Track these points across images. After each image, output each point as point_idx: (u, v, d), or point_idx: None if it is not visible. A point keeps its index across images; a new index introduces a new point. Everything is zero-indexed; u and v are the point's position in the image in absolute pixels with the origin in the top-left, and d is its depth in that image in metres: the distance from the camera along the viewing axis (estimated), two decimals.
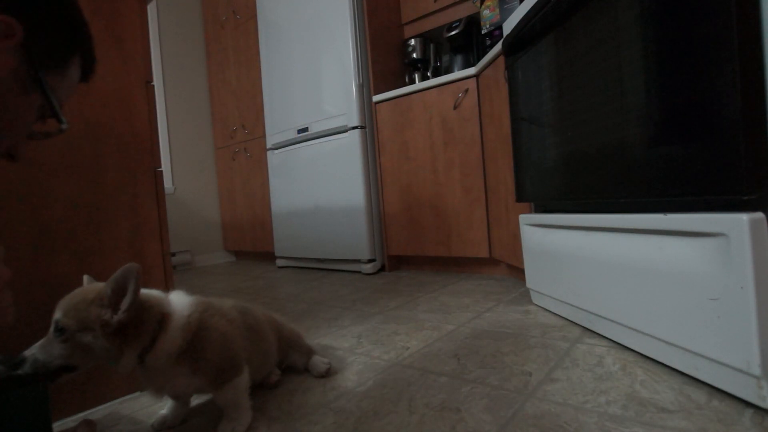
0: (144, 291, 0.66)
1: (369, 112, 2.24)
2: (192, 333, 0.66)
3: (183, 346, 0.65)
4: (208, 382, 0.68)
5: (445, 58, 2.49)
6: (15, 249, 0.74)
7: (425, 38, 2.39)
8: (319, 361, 0.92)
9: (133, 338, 0.62)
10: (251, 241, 3.01)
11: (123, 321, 0.61)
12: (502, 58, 1.50)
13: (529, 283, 1.33)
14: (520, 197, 1.36)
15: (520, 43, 1.26)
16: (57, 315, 0.60)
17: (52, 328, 0.60)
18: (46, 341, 0.60)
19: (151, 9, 3.02)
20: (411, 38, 2.38)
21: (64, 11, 0.48)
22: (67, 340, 0.59)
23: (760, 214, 0.60)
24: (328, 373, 0.91)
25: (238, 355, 0.72)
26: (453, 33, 2.17)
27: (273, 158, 2.65)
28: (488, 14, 1.98)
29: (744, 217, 0.60)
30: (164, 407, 0.77)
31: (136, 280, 0.61)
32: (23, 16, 0.41)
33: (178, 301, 0.70)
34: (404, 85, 2.44)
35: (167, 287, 0.96)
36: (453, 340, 1.07)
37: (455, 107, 1.92)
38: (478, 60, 2.08)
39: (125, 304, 0.61)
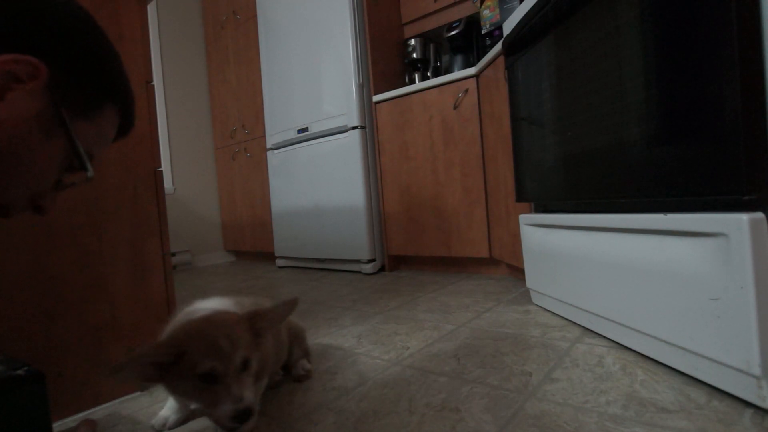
0: (208, 303, 0.67)
1: (369, 112, 2.24)
2: None
3: None
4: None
5: (445, 58, 2.49)
6: (15, 249, 0.74)
7: (425, 38, 2.39)
8: (300, 366, 0.91)
9: None
10: (251, 241, 3.01)
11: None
12: (502, 58, 1.50)
13: (529, 283, 1.33)
14: (520, 197, 1.36)
15: (520, 43, 1.26)
16: (242, 352, 0.56)
17: (239, 367, 0.55)
18: (242, 383, 0.55)
19: (151, 9, 3.02)
20: (411, 38, 2.38)
21: (95, 55, 0.45)
22: (251, 373, 0.58)
23: (760, 214, 0.60)
24: (302, 380, 0.89)
25: (270, 358, 0.72)
26: (453, 33, 2.17)
27: (273, 158, 2.65)
28: (488, 14, 1.98)
29: (744, 217, 0.60)
30: (164, 407, 0.77)
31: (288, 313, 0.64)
32: (49, 57, 0.39)
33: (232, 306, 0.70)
34: (404, 85, 2.44)
35: (167, 287, 0.96)
36: (453, 340, 1.07)
37: (455, 107, 1.92)
38: (478, 60, 2.08)
39: (267, 331, 0.64)
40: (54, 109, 0.41)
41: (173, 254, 2.98)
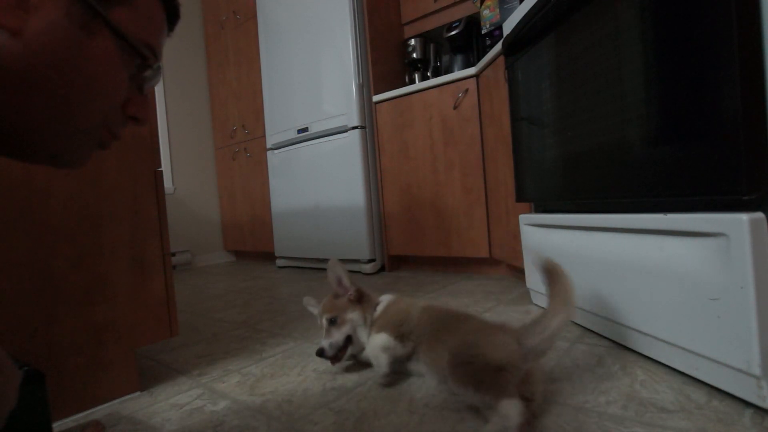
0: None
1: (369, 112, 2.25)
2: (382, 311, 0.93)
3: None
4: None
5: (445, 58, 2.49)
6: (15, 249, 0.74)
7: (425, 38, 2.39)
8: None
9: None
10: (251, 241, 3.01)
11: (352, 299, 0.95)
12: (502, 58, 1.50)
13: (529, 283, 1.33)
14: (520, 197, 1.36)
15: (520, 43, 1.26)
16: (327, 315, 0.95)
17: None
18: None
19: None
20: (411, 38, 2.39)
21: None
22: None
23: (760, 214, 0.60)
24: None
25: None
26: (453, 33, 2.17)
27: (273, 158, 2.65)
28: (488, 14, 1.98)
29: (744, 217, 0.60)
30: None
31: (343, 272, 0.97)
32: None
33: (384, 297, 0.98)
34: (404, 85, 2.44)
35: (167, 287, 0.96)
36: None
37: (455, 107, 1.92)
38: (478, 60, 2.08)
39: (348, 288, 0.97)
40: (80, 1, 0.37)
41: (173, 254, 2.98)
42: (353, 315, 0.93)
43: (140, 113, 0.46)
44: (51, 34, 0.36)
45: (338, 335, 0.91)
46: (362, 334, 0.92)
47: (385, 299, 0.97)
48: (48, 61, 0.36)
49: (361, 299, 0.96)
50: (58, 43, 0.37)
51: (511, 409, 0.61)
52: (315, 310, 1.02)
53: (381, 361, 0.84)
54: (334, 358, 0.90)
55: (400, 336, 0.85)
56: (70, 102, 0.39)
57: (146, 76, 0.45)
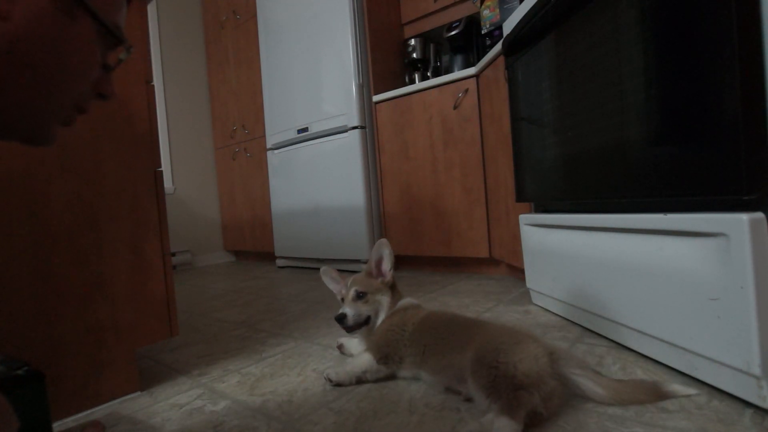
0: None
1: (369, 112, 2.25)
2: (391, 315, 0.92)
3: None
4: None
5: (445, 58, 2.49)
6: (15, 249, 0.74)
7: (425, 38, 2.39)
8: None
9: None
10: (251, 241, 3.01)
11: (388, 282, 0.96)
12: (502, 58, 1.50)
13: (529, 283, 1.33)
14: (520, 197, 1.36)
15: (520, 43, 1.26)
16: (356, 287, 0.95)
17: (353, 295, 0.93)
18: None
19: (151, 9, 3.02)
20: (411, 38, 2.39)
21: None
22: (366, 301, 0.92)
23: (760, 214, 0.60)
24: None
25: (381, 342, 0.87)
26: (453, 33, 2.17)
27: (273, 158, 2.65)
28: (488, 14, 1.98)
29: (744, 217, 0.60)
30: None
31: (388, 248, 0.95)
32: None
33: (405, 300, 0.97)
34: (404, 85, 2.44)
35: (167, 287, 0.97)
36: None
37: (455, 107, 1.92)
38: (478, 60, 2.08)
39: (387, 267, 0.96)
40: None
41: (173, 254, 2.98)
42: (383, 299, 0.93)
43: (108, 90, 0.49)
44: (37, 18, 0.38)
45: (364, 310, 0.91)
46: (378, 321, 0.93)
47: (403, 303, 0.95)
48: (34, 44, 0.38)
49: (392, 288, 0.96)
50: (43, 27, 0.39)
51: (506, 430, 0.59)
52: (332, 282, 1.01)
53: (351, 377, 0.84)
54: (349, 329, 0.91)
55: (384, 357, 0.85)
56: (52, 82, 0.41)
57: (120, 57, 0.48)
